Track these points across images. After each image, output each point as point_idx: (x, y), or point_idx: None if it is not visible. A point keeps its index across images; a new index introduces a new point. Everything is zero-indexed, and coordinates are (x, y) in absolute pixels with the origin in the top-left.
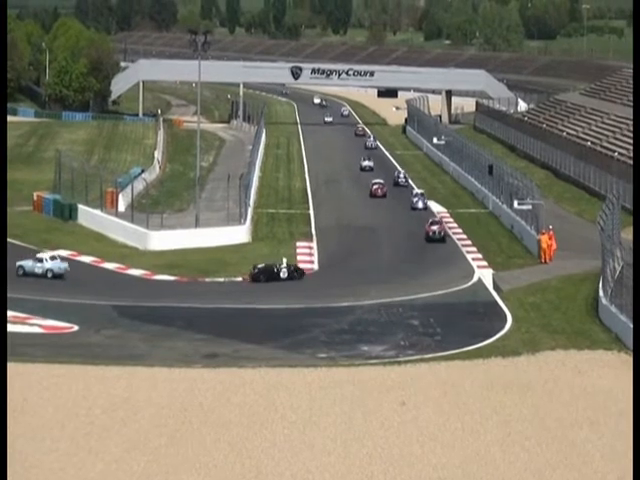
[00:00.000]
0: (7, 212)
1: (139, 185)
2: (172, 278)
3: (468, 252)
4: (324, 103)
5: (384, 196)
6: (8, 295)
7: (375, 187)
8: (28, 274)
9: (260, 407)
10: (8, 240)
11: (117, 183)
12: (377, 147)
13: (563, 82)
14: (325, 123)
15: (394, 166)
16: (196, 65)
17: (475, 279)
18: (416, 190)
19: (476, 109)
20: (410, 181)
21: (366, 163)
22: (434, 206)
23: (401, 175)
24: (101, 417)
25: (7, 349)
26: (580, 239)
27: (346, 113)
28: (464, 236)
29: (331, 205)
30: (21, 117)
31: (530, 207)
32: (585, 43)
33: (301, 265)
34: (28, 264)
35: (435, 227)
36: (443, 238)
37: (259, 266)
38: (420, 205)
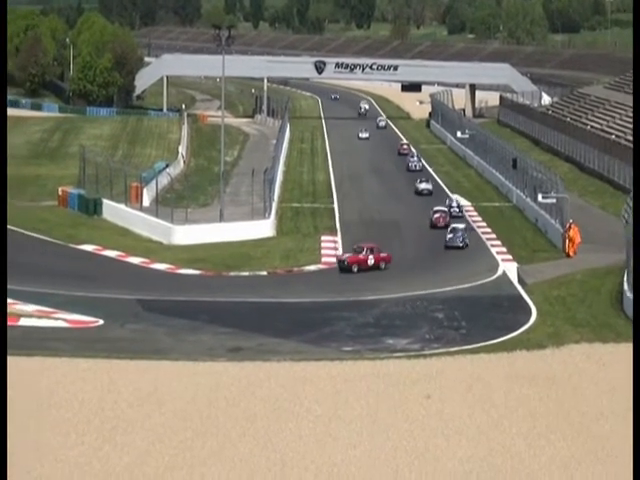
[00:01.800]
0: (27, 209)
1: (163, 180)
2: (197, 272)
3: (492, 246)
4: (366, 109)
5: (446, 227)
6: (33, 289)
7: (437, 216)
8: None
9: (285, 400)
10: (33, 235)
11: (141, 178)
12: (422, 169)
13: (587, 75)
14: (360, 139)
15: (441, 188)
16: (220, 60)
17: (499, 273)
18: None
19: (500, 103)
20: (465, 212)
21: (424, 186)
22: (460, 199)
23: (453, 204)
24: (126, 411)
25: (7, 350)
26: (605, 232)
27: (383, 124)
28: (488, 230)
29: (355, 199)
30: (45, 112)
31: (554, 201)
32: (609, 36)
33: (326, 259)
34: None
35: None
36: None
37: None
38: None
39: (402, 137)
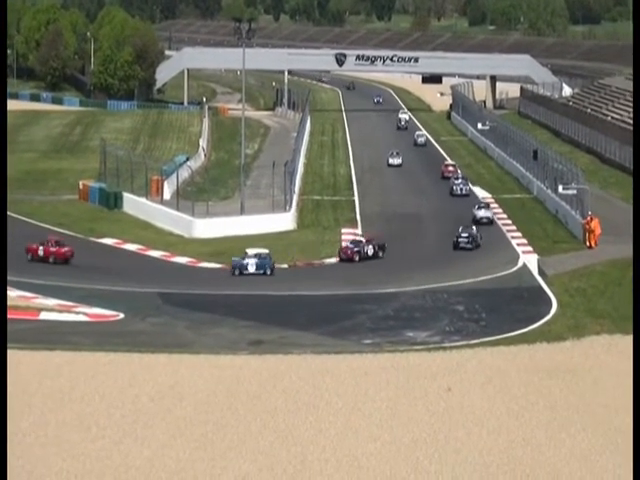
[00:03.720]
0: (47, 203)
1: (184, 173)
2: (218, 266)
3: (513, 237)
4: (406, 121)
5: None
6: (54, 283)
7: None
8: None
9: (306, 393)
10: (54, 229)
11: (162, 171)
12: (470, 193)
13: (608, 67)
14: (390, 166)
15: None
16: (241, 53)
17: (520, 264)
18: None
19: (520, 94)
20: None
21: (482, 213)
22: (479, 192)
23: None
24: (147, 405)
25: (7, 351)
26: (625, 224)
27: (422, 140)
28: (509, 221)
29: (376, 192)
30: (66, 106)
31: (575, 192)
32: (630, 27)
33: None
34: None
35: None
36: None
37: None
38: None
39: (447, 157)
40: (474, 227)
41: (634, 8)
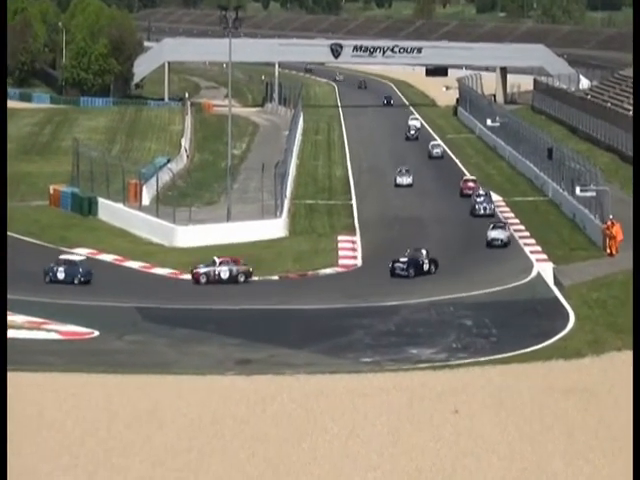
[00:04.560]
0: (15, 209)
1: (165, 176)
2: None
3: (526, 244)
4: (417, 129)
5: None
6: (22, 298)
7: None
8: None
9: (298, 418)
10: (24, 239)
11: (141, 174)
12: (494, 212)
13: (629, 57)
14: (397, 186)
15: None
16: (227, 44)
17: (534, 274)
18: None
19: (534, 87)
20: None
21: (494, 234)
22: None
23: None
24: (124, 432)
25: (7, 353)
26: None
27: (439, 152)
28: (522, 227)
29: (375, 195)
30: (36, 103)
31: (594, 194)
32: None
33: (343, 261)
34: None
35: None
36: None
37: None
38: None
39: (466, 171)
40: (424, 250)
41: (634, 8)
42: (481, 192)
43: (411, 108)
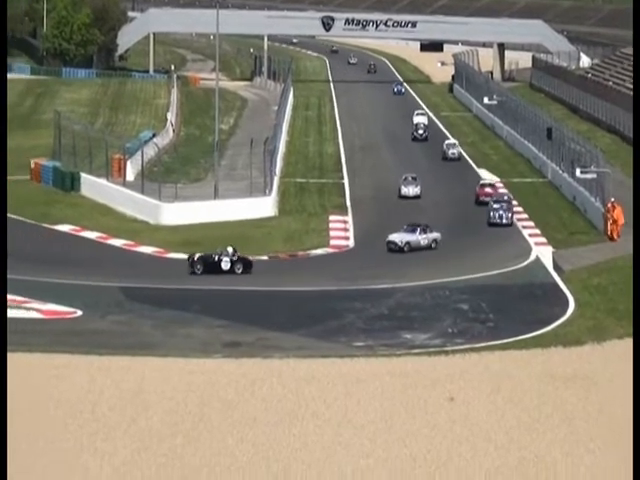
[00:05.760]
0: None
1: (150, 151)
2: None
3: (524, 227)
4: (425, 127)
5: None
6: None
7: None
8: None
9: (289, 403)
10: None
11: (125, 149)
12: (512, 222)
13: (630, 34)
14: (401, 197)
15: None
16: (214, 15)
17: (532, 258)
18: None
19: (532, 65)
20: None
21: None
22: (485, 174)
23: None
24: (108, 414)
25: (6, 350)
26: None
27: (456, 153)
28: (520, 209)
29: (368, 173)
30: (16, 74)
31: (594, 176)
32: None
33: (335, 242)
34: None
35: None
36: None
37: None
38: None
39: (480, 174)
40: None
41: (634, 8)
42: (500, 198)
43: (421, 105)
